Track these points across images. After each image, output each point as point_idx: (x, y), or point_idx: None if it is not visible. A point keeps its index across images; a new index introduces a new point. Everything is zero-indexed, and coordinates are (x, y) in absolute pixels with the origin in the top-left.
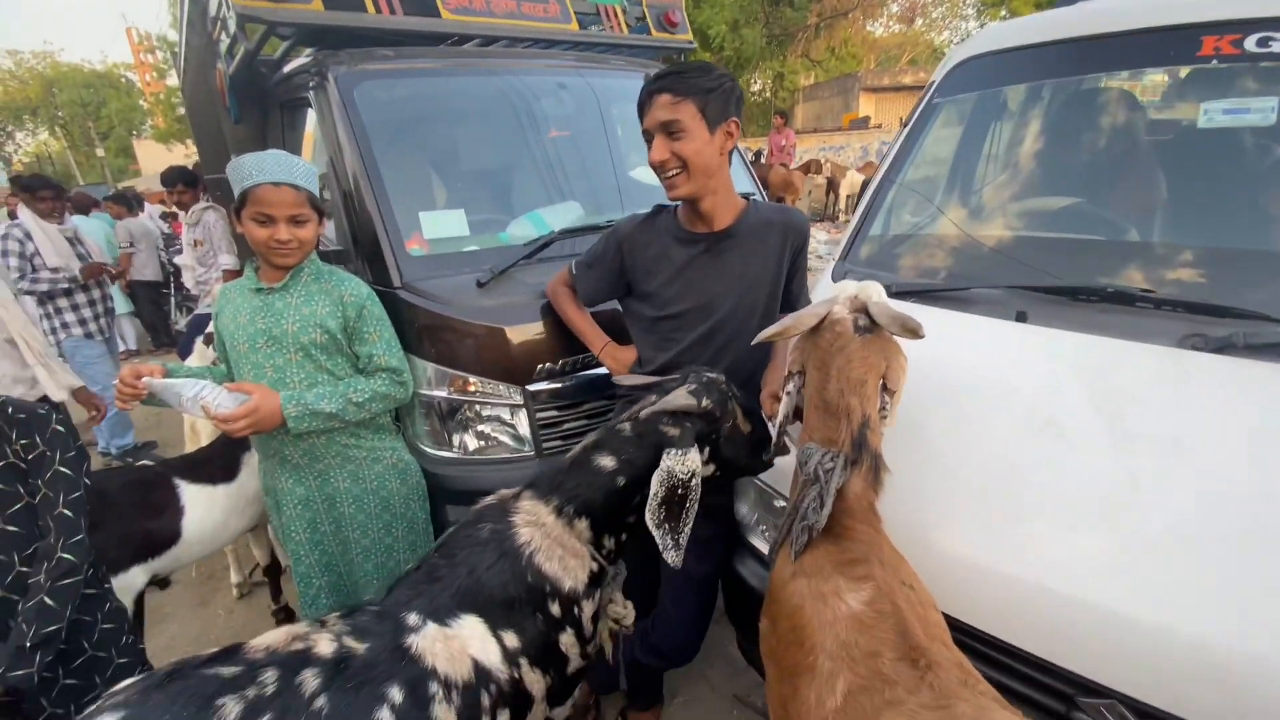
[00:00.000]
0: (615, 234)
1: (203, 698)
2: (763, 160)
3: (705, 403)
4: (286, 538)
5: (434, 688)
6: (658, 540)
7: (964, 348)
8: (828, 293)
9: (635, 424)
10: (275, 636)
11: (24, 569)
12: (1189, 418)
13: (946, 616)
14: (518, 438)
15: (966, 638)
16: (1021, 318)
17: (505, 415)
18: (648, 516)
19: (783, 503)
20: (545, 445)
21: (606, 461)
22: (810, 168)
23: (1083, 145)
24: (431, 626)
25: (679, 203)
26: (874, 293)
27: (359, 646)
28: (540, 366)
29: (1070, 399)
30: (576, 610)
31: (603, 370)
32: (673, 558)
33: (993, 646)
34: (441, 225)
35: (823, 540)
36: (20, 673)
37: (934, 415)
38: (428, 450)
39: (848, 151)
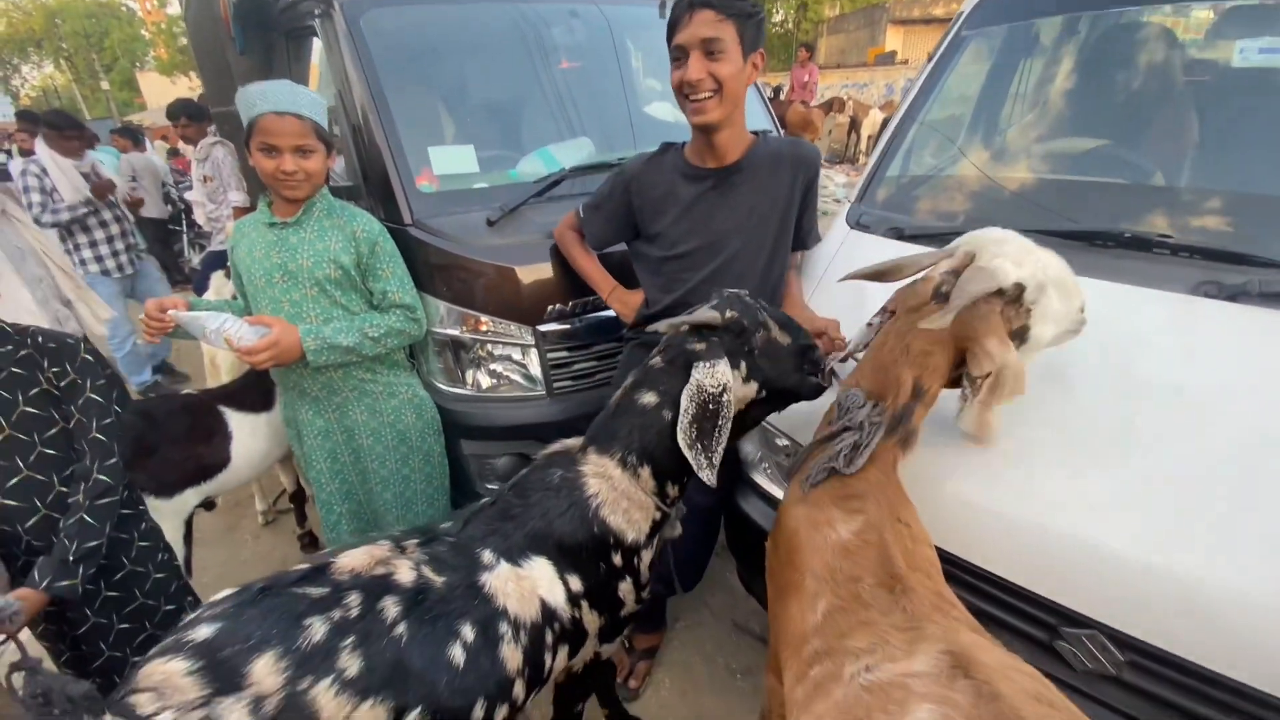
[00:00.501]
0: (622, 174)
1: (292, 616)
2: (782, 97)
3: (729, 314)
4: (308, 466)
5: (504, 628)
6: (690, 460)
7: None
8: (966, 241)
9: (664, 353)
10: (358, 558)
11: (63, 489)
12: (1194, 365)
13: (941, 551)
14: (529, 377)
15: (960, 571)
16: None
17: (516, 355)
18: (679, 435)
19: (785, 441)
20: (556, 385)
21: (649, 398)
22: (832, 106)
23: (1115, 85)
24: (504, 566)
25: (687, 139)
26: (990, 251)
27: (436, 579)
28: (550, 307)
29: (1075, 345)
30: (636, 560)
31: (612, 313)
32: (708, 476)
33: (984, 579)
34: (451, 161)
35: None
36: (65, 584)
37: None
38: (442, 387)
39: (872, 89)
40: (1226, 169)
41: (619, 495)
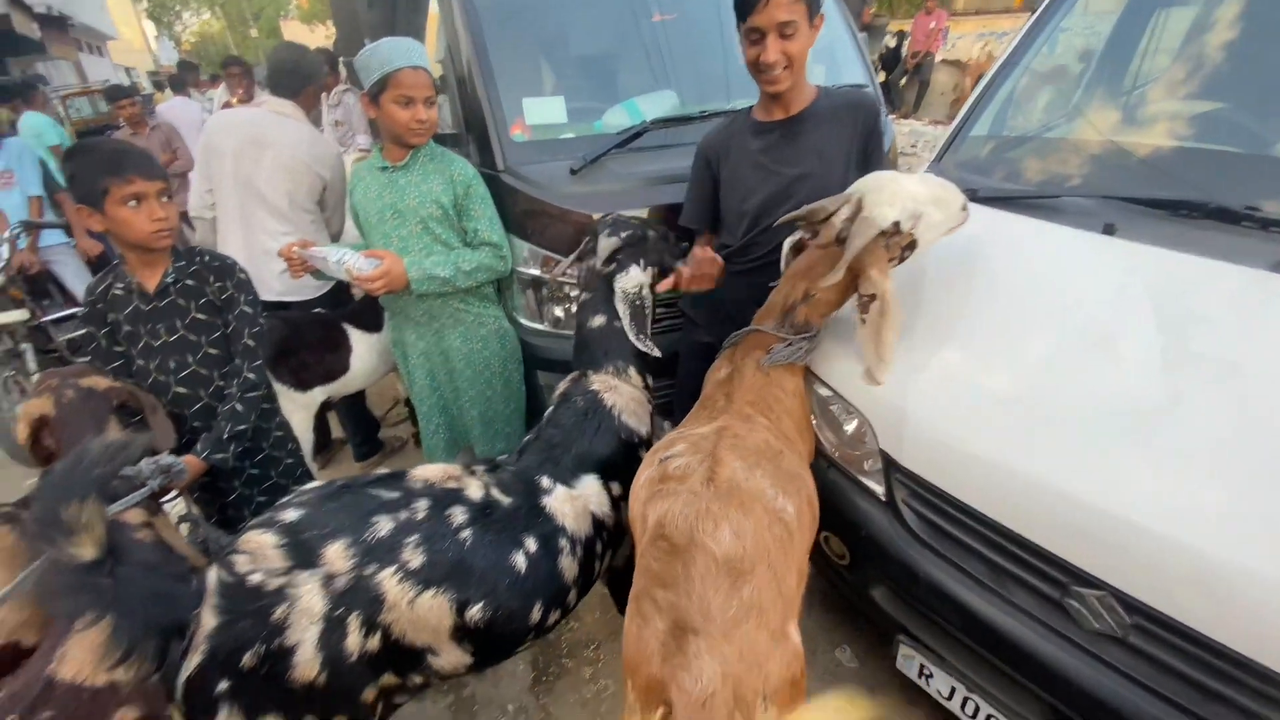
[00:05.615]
0: (699, 150)
1: (364, 512)
2: (904, 49)
3: (623, 234)
4: (411, 383)
5: (563, 542)
6: (642, 348)
7: (1037, 258)
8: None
9: (588, 288)
10: (433, 471)
11: (220, 383)
12: (1256, 343)
13: (964, 505)
14: None
15: (979, 524)
16: (1109, 230)
17: None
18: (630, 336)
19: (826, 392)
20: None
21: (599, 320)
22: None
23: (1251, 40)
24: (560, 489)
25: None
26: (870, 199)
27: (504, 499)
28: None
29: (1134, 316)
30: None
31: None
32: (648, 347)
33: (1001, 533)
34: (542, 112)
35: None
36: (219, 456)
37: (986, 322)
38: (523, 321)
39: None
40: None
41: (628, 399)
